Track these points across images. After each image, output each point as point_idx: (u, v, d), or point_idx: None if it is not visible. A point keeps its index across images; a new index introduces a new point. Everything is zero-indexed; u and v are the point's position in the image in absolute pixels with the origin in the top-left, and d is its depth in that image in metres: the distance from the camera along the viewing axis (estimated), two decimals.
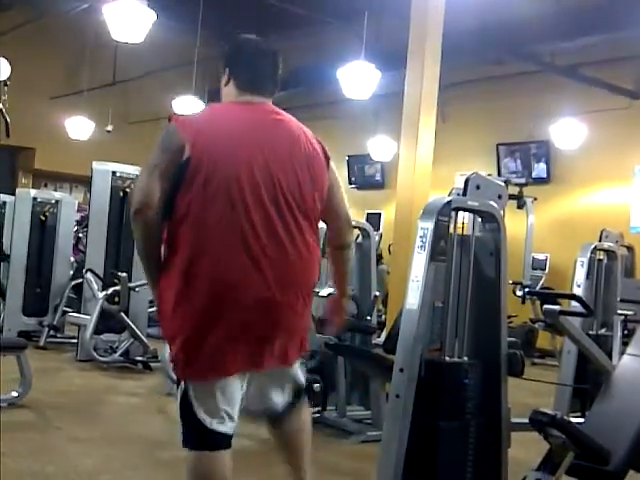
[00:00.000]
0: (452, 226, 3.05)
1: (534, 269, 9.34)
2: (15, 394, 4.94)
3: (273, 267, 2.37)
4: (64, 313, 7.79)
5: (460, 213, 3.10)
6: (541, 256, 10.09)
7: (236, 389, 2.46)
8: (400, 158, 6.62)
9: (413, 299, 2.94)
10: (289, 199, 2.42)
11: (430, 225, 2.93)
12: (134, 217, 2.36)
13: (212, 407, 2.40)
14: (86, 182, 8.95)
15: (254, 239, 2.34)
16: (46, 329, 7.73)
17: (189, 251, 2.35)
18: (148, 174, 2.35)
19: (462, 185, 3.13)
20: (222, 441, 2.42)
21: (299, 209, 2.44)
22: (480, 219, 3.16)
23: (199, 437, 2.40)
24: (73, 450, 4.16)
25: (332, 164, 2.61)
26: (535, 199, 8.56)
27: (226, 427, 2.42)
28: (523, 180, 8.30)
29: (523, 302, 7.96)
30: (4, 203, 8.88)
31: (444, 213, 2.97)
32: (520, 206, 8.07)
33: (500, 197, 3.19)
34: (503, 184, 3.37)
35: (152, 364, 6.80)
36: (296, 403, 2.67)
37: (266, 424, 2.73)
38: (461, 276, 3.11)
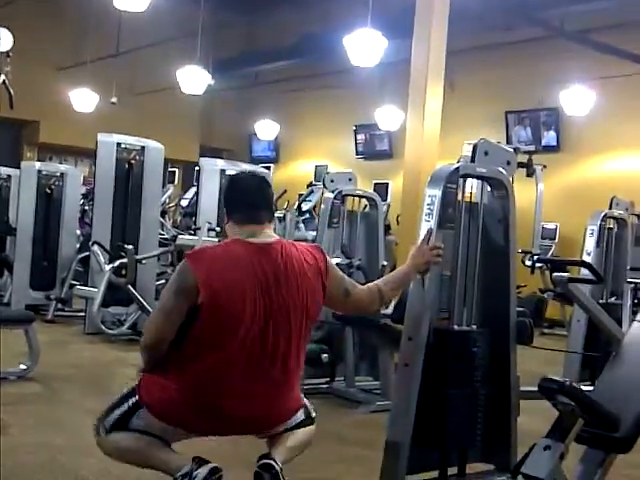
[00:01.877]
0: (460, 193, 3.00)
1: (543, 238, 9.29)
2: (23, 367, 4.96)
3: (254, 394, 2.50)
4: (71, 286, 7.80)
5: (468, 180, 3.05)
6: (551, 225, 10.03)
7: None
8: (407, 127, 6.57)
9: None
10: (286, 330, 2.53)
11: (438, 192, 2.88)
12: (144, 349, 2.59)
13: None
14: (91, 155, 8.89)
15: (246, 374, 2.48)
16: (54, 302, 7.75)
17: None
18: (164, 318, 2.52)
19: (470, 153, 3.07)
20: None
21: (297, 333, 2.56)
22: (489, 186, 3.12)
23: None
24: (81, 422, 4.14)
25: (330, 265, 2.74)
26: (544, 167, 8.49)
27: None
28: (532, 147, 8.22)
29: (532, 272, 7.90)
30: (9, 177, 8.86)
31: (452, 180, 2.92)
32: (529, 174, 7.99)
33: (509, 164, 3.13)
34: (512, 150, 3.31)
35: None
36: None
37: None
38: (469, 244, 3.07)
